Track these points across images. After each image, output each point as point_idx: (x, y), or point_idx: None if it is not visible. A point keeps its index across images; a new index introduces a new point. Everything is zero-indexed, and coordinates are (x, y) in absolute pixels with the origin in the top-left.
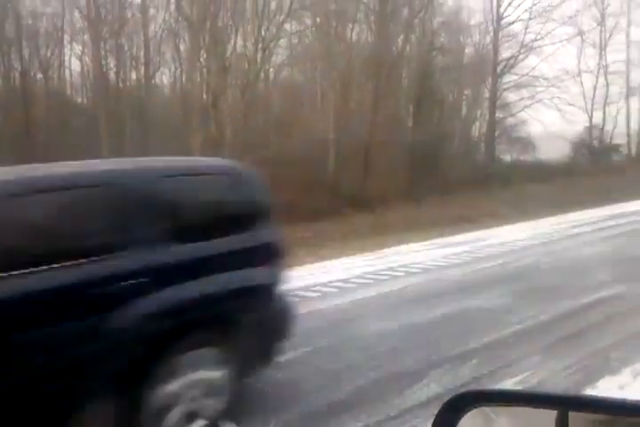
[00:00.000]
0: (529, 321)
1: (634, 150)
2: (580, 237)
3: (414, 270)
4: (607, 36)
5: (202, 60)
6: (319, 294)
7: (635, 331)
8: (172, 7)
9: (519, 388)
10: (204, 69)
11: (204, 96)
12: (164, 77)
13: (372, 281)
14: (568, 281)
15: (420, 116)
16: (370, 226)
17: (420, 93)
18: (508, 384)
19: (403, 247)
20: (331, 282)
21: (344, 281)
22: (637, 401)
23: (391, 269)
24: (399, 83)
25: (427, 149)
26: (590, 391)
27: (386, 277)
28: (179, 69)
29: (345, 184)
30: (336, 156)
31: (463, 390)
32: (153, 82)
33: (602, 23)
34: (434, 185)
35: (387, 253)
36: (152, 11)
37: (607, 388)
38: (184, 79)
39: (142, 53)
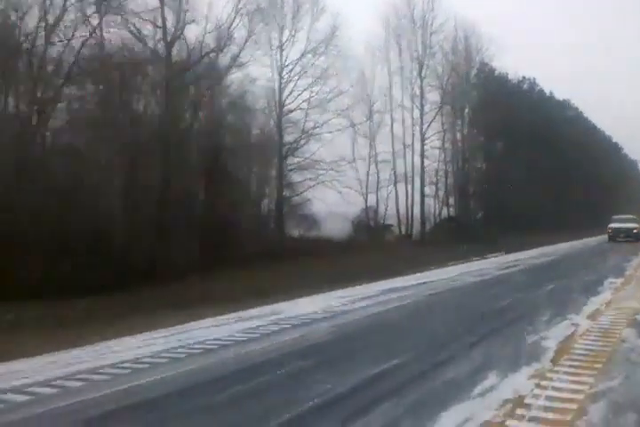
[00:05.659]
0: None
1: (403, 230)
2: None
3: (212, 347)
4: (375, 128)
5: None
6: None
7: None
8: None
9: None
10: None
11: None
12: None
13: (166, 360)
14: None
15: (211, 190)
16: (165, 300)
17: (209, 169)
18: None
19: (193, 324)
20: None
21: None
22: None
23: (187, 346)
24: (189, 156)
25: (219, 224)
26: None
27: (183, 355)
28: None
29: (135, 258)
30: (127, 228)
31: None
32: None
33: (370, 118)
34: (226, 258)
35: (186, 328)
36: None
37: None
38: None
39: None
